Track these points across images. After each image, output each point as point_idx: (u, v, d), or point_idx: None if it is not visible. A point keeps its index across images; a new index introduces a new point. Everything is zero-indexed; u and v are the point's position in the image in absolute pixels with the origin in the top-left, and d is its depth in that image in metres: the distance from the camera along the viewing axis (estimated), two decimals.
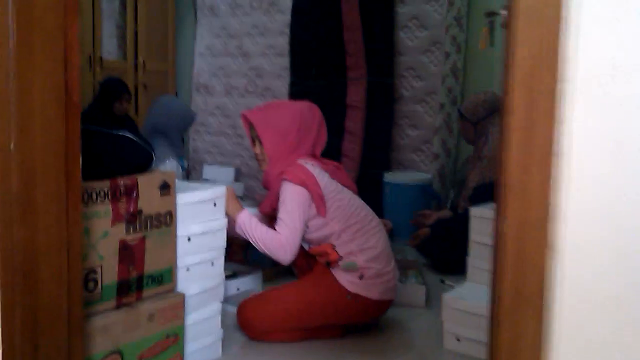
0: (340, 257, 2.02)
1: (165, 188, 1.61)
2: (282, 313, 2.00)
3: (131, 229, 1.52)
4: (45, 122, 1.02)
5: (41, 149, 1.01)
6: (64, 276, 1.07)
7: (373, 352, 2.04)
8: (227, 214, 1.91)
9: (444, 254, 2.98)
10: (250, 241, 2.04)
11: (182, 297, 1.66)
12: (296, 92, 4.23)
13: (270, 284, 2.67)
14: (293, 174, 2.02)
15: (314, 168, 2.06)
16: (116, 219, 1.48)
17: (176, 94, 5.15)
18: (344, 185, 2.14)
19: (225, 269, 2.63)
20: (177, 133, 3.09)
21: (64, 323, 1.08)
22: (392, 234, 3.41)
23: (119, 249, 1.50)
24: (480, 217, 2.18)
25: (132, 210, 1.52)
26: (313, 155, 2.16)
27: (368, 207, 2.16)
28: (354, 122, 3.86)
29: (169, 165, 2.98)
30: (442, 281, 2.81)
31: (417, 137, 3.92)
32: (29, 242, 1.00)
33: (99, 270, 1.45)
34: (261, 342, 2.04)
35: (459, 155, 4.10)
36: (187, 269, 1.73)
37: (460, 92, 4.00)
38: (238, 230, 2.03)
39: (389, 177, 3.64)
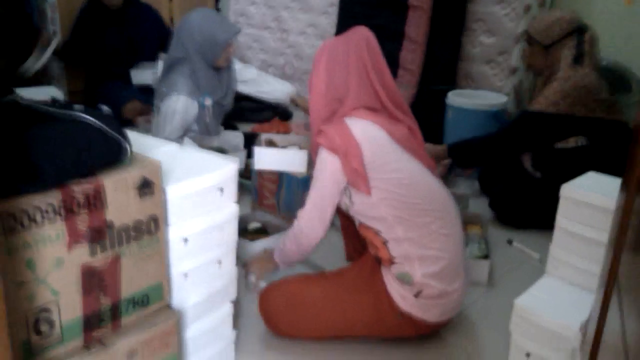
0: (393, 259, 1.56)
1: (147, 187, 1.18)
2: (313, 322, 1.63)
3: (98, 248, 1.13)
4: None
5: None
6: None
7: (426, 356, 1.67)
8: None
9: (514, 207, 2.50)
10: (298, 259, 1.72)
11: (176, 318, 1.30)
12: None
13: None
14: (326, 136, 1.54)
15: (365, 127, 1.55)
16: (74, 240, 1.08)
17: None
18: (414, 156, 1.61)
19: (253, 218, 2.29)
20: (203, 61, 2.47)
21: None
22: (450, 170, 2.93)
23: (82, 276, 1.11)
24: (571, 199, 1.66)
25: (97, 224, 1.11)
26: (376, 107, 1.61)
27: (444, 191, 1.64)
28: (416, 25, 3.21)
29: (177, 103, 2.44)
30: (510, 242, 2.37)
31: (493, 45, 3.25)
32: None
33: (53, 307, 1.09)
34: (285, 338, 1.70)
35: None
36: (185, 276, 1.35)
37: None
38: (286, 266, 1.75)
39: (454, 97, 3.04)
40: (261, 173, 2.38)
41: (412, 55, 3.22)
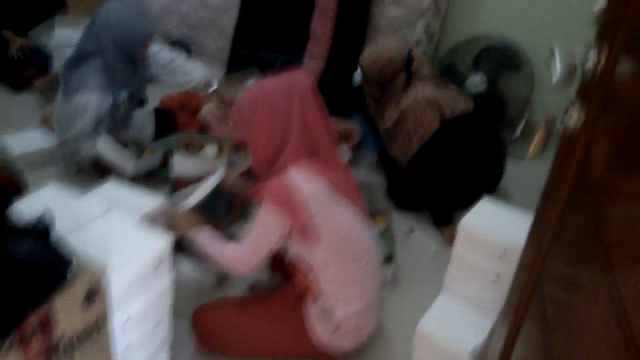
0: (318, 297, 1.71)
1: (92, 296, 1.24)
2: (242, 343, 1.80)
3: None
4: None
5: None
6: None
7: None
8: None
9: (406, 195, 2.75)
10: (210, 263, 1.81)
11: None
12: None
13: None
14: (272, 193, 1.61)
15: (307, 180, 1.63)
16: None
17: None
18: (349, 201, 1.73)
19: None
20: (119, 55, 2.39)
21: None
22: (359, 144, 3.09)
23: None
24: (469, 232, 1.89)
25: (49, 343, 1.17)
26: (314, 152, 1.69)
27: (369, 235, 1.79)
28: None
29: (90, 101, 2.37)
30: (412, 230, 2.62)
31: (400, 17, 3.33)
32: None
33: None
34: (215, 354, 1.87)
35: (442, 40, 3.58)
36: (127, 346, 1.45)
37: None
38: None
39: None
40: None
41: (322, 26, 3.22)
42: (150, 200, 1.77)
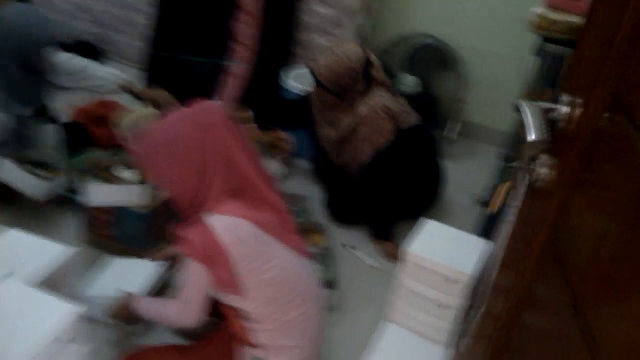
0: (249, 343, 1.56)
1: None
2: None
3: None
4: None
5: None
6: None
7: None
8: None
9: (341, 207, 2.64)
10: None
11: None
12: None
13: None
14: (191, 246, 1.44)
15: (231, 226, 1.46)
16: None
17: None
18: (283, 241, 1.56)
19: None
20: (21, 67, 2.13)
21: None
22: (292, 154, 2.94)
23: None
24: (414, 263, 1.78)
25: None
26: (241, 190, 1.51)
27: (308, 275, 1.63)
28: None
29: None
30: (344, 245, 2.48)
31: (331, 17, 3.17)
32: None
33: None
34: None
35: (373, 40, 3.45)
36: None
37: None
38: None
39: (292, 80, 2.97)
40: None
41: (248, 29, 3.01)
42: (54, 254, 1.54)
